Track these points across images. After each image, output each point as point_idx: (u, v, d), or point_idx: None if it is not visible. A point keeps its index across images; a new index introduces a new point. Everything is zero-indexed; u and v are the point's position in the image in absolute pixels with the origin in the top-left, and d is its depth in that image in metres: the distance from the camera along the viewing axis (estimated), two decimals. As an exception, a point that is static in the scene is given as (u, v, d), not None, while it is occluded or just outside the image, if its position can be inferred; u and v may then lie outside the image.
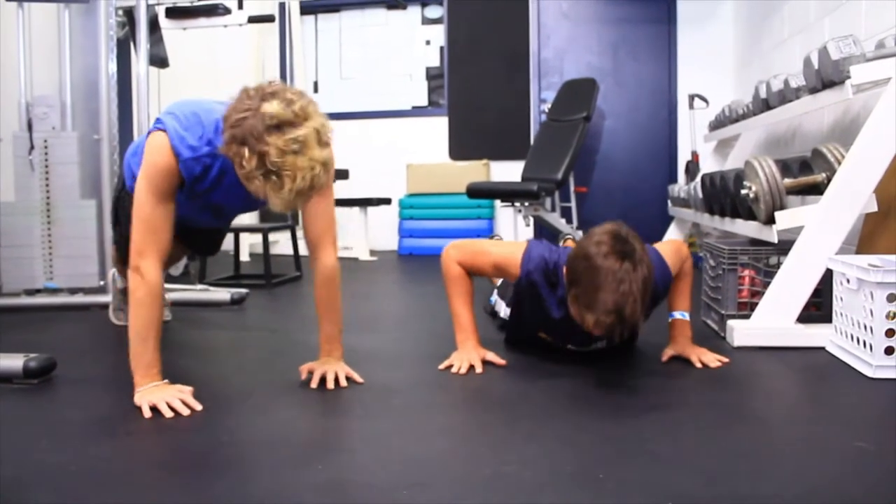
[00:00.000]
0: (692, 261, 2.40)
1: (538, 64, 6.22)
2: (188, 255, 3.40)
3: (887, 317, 2.06)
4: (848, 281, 2.22)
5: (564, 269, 2.00)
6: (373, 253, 5.89)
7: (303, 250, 4.71)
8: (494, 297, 2.94)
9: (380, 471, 1.46)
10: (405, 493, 1.34)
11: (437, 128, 6.44)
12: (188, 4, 4.52)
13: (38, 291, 3.47)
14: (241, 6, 4.78)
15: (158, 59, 4.36)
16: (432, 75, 6.56)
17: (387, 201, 5.92)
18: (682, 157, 5.86)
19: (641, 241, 1.93)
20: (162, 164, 1.87)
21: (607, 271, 1.82)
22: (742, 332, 2.48)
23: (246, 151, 1.63)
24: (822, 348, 2.39)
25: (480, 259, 2.31)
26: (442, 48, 6.49)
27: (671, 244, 2.37)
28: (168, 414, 1.77)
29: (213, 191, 2.02)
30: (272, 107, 1.63)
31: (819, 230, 2.44)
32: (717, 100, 5.35)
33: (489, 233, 5.89)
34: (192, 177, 1.92)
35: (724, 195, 3.22)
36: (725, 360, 2.24)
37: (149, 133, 1.94)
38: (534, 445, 1.59)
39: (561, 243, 4.18)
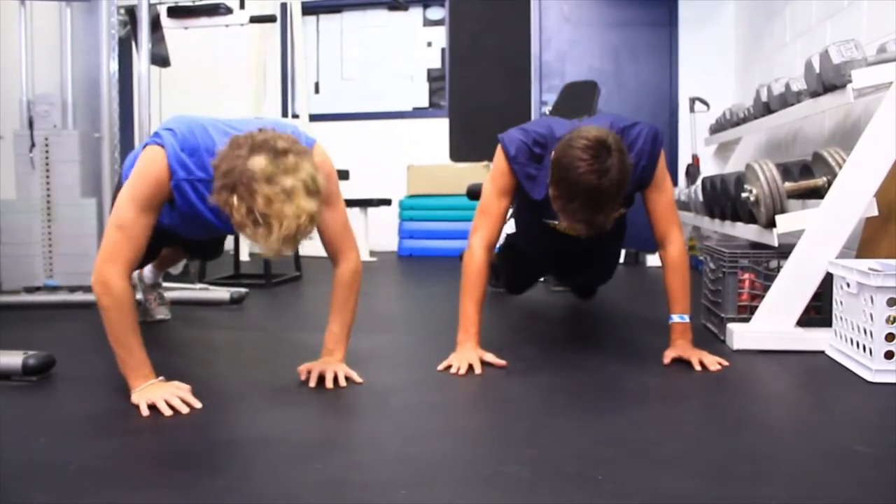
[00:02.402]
0: (686, 256, 2.41)
1: (539, 66, 6.22)
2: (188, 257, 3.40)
3: (887, 321, 2.06)
4: (848, 285, 2.22)
5: (552, 155, 2.12)
6: (372, 254, 5.89)
7: (303, 251, 4.72)
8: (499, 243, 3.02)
9: (378, 470, 1.46)
10: (403, 492, 1.33)
11: (438, 129, 6.44)
12: (190, 4, 4.52)
13: (37, 289, 3.47)
14: (242, 6, 4.78)
15: (160, 59, 4.35)
16: (433, 77, 6.57)
17: (387, 202, 5.92)
18: (683, 161, 5.86)
19: (622, 147, 2.03)
20: (154, 177, 1.86)
21: (582, 188, 1.98)
22: (742, 336, 2.48)
23: (235, 200, 1.64)
24: (822, 352, 2.39)
25: (487, 206, 2.40)
26: (443, 50, 6.49)
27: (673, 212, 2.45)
28: (167, 412, 1.77)
29: (205, 215, 2.01)
30: (260, 163, 1.64)
31: (819, 234, 2.44)
32: (717, 103, 5.36)
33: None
34: (183, 198, 1.92)
35: (724, 198, 3.22)
36: (725, 362, 2.24)
37: (144, 145, 1.94)
38: (533, 446, 1.58)
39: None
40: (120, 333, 1.84)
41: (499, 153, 2.37)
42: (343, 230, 2.10)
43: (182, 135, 1.88)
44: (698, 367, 2.20)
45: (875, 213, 2.45)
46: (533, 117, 6.18)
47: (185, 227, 2.16)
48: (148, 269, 2.96)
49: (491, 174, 2.42)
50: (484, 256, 2.37)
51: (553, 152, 2.10)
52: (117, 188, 2.51)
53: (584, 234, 2.09)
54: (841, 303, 2.30)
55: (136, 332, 1.87)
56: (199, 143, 1.88)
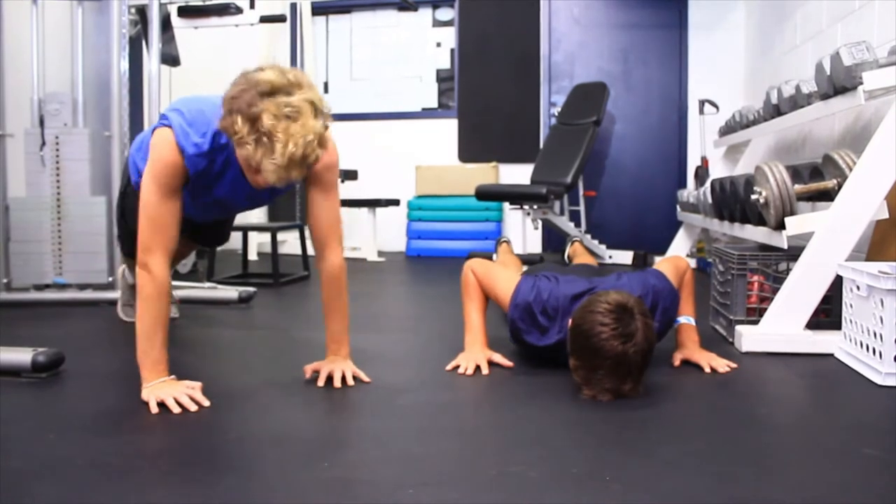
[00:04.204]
0: (692, 272, 2.42)
1: (549, 67, 6.22)
2: (196, 250, 3.40)
3: (897, 324, 2.05)
4: (858, 288, 2.21)
5: (568, 324, 1.98)
6: (381, 254, 5.89)
7: (311, 250, 4.73)
8: None
9: (386, 469, 1.46)
10: (411, 492, 1.34)
11: (447, 130, 6.44)
12: (200, 3, 4.54)
13: (47, 287, 3.48)
14: (252, 6, 4.80)
15: (170, 58, 4.37)
16: (442, 77, 6.56)
17: (395, 202, 5.93)
18: (692, 162, 5.85)
19: (645, 312, 1.91)
20: (168, 160, 1.87)
21: (607, 355, 1.83)
22: (750, 338, 2.47)
23: (239, 118, 1.64)
24: (831, 355, 2.38)
25: (488, 282, 2.34)
26: (452, 50, 6.49)
27: (670, 263, 2.38)
28: (175, 409, 1.77)
29: (216, 186, 2.02)
30: (266, 74, 1.67)
31: (829, 236, 2.43)
32: (727, 105, 5.34)
33: (497, 235, 5.89)
34: (196, 171, 1.92)
35: (733, 200, 3.21)
36: (734, 364, 2.24)
37: (153, 129, 1.94)
38: (540, 446, 1.59)
39: (568, 247, 4.18)
40: (151, 323, 1.85)
41: (510, 291, 2.23)
42: (335, 222, 2.09)
43: (189, 112, 1.89)
44: (707, 370, 2.20)
45: (885, 215, 2.44)
46: (542, 118, 6.17)
47: (196, 207, 2.16)
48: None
49: (505, 282, 2.30)
50: (476, 279, 2.38)
51: (570, 320, 1.97)
52: (124, 185, 2.52)
53: (609, 399, 1.90)
54: (850, 305, 2.30)
55: (165, 326, 1.88)
56: (208, 118, 1.87)
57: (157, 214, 1.86)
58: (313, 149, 1.66)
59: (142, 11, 4.05)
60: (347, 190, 5.67)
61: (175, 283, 3.24)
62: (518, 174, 5.92)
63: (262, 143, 1.63)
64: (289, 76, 1.68)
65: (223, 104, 1.71)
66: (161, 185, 1.87)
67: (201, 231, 2.64)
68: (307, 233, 4.87)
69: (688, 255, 4.90)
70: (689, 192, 4.67)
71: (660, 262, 2.41)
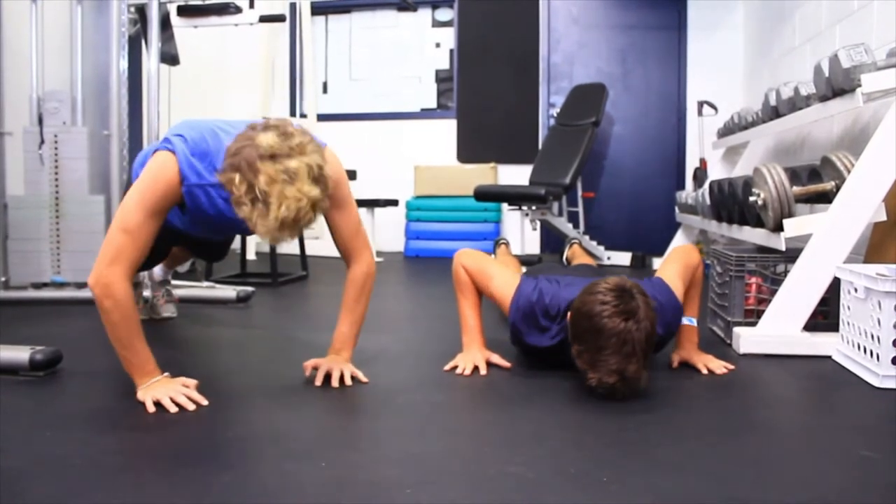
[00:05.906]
0: (703, 268, 2.39)
1: (547, 68, 6.22)
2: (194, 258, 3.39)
3: (895, 326, 2.05)
4: (856, 290, 2.21)
5: (568, 317, 1.98)
6: (379, 254, 5.89)
7: (309, 250, 4.74)
8: None
9: (383, 469, 1.46)
10: (408, 491, 1.34)
11: (446, 130, 6.44)
12: (200, 3, 4.53)
13: (45, 285, 3.48)
14: (252, 5, 4.78)
15: (169, 57, 4.37)
16: (442, 78, 6.56)
17: (394, 203, 5.92)
18: (690, 164, 5.85)
19: (645, 293, 1.90)
20: (164, 183, 1.85)
21: (610, 333, 1.82)
22: (748, 340, 2.47)
23: (237, 177, 1.64)
24: (829, 357, 2.38)
25: (481, 279, 2.31)
26: (452, 51, 6.49)
27: (681, 259, 2.33)
28: (172, 409, 1.77)
29: (217, 219, 2.01)
30: (268, 138, 1.65)
31: (827, 238, 2.44)
32: (725, 107, 5.35)
33: (495, 236, 5.89)
34: (195, 203, 1.91)
35: (731, 202, 3.22)
36: (731, 366, 2.24)
37: (155, 150, 1.92)
38: (538, 446, 1.59)
39: (567, 249, 4.18)
40: (123, 335, 1.83)
41: (509, 293, 2.20)
42: (355, 233, 2.10)
43: (193, 140, 1.87)
44: (704, 372, 2.21)
45: (883, 217, 2.44)
46: (541, 119, 6.17)
47: (196, 229, 2.16)
48: (157, 267, 2.97)
49: (501, 278, 2.28)
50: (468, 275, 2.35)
51: (569, 312, 1.98)
52: (127, 189, 2.52)
53: (619, 388, 1.88)
54: (848, 308, 2.30)
55: (139, 332, 1.85)
56: (210, 147, 1.86)
57: (137, 231, 1.82)
58: (306, 213, 1.65)
59: (141, 10, 4.04)
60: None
61: (174, 282, 3.24)
62: (517, 175, 5.92)
63: (258, 204, 1.63)
64: (291, 142, 1.66)
65: (225, 156, 1.69)
66: (151, 205, 1.83)
67: (201, 246, 2.63)
68: (305, 233, 4.89)
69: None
70: (688, 193, 4.68)
71: (672, 252, 2.37)
